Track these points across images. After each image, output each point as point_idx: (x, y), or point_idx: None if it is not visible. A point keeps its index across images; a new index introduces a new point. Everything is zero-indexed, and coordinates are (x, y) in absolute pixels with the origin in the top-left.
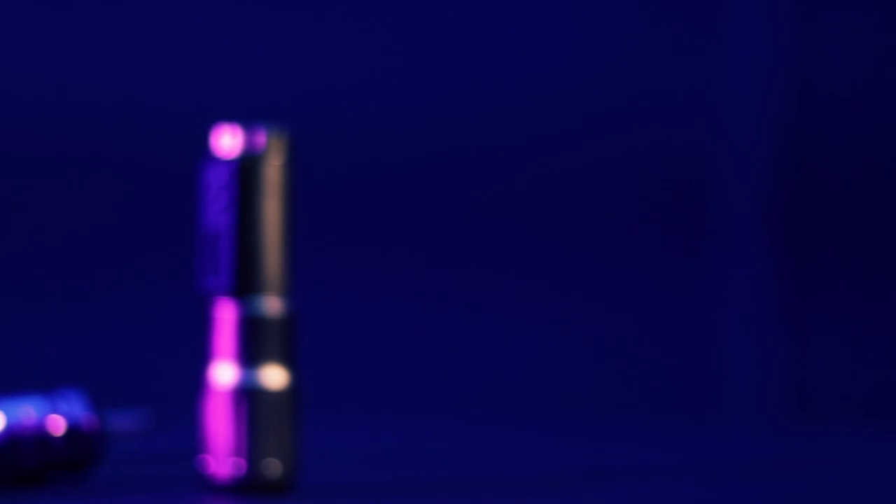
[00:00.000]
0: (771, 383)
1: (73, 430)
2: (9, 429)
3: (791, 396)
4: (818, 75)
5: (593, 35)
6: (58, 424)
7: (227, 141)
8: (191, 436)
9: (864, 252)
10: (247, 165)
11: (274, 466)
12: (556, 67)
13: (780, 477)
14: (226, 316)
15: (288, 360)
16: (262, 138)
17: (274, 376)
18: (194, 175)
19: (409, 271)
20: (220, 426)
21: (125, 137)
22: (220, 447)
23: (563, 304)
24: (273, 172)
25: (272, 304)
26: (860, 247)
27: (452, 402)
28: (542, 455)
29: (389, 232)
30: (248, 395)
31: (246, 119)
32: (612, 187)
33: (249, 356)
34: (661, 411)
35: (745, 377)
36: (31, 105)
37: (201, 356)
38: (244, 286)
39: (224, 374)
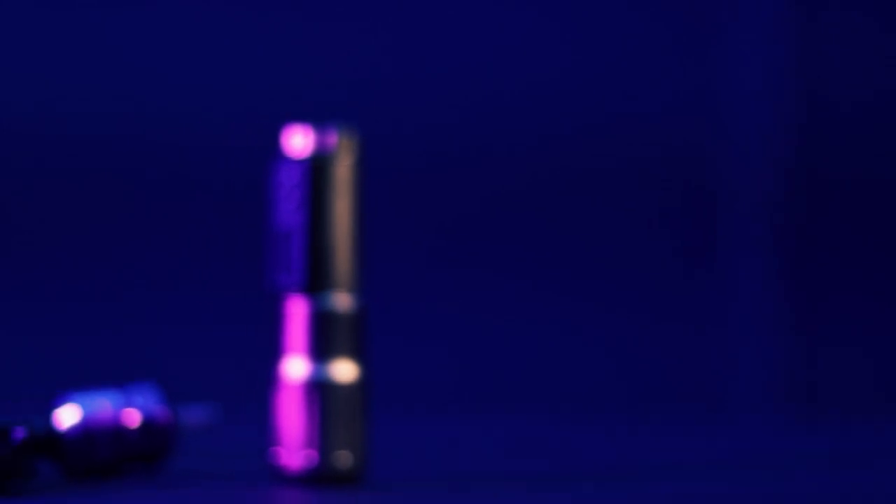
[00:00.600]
0: (780, 379)
1: (148, 423)
2: (85, 422)
3: (800, 392)
4: (824, 77)
5: (600, 40)
6: (133, 418)
7: (299, 141)
8: (262, 429)
9: (870, 250)
10: (318, 165)
11: (344, 458)
12: (566, 70)
13: (792, 471)
14: (297, 312)
15: (358, 355)
16: (332, 138)
17: (344, 370)
18: (266, 174)
19: (473, 268)
20: (291, 419)
21: (199, 138)
22: (292, 440)
23: (585, 304)
24: (343, 171)
25: (342, 300)
26: (867, 244)
27: (512, 396)
28: (583, 448)
29: (455, 228)
30: (318, 389)
31: (317, 119)
32: (627, 190)
33: (320, 351)
34: (673, 407)
35: (754, 373)
36: (113, 107)
37: (273, 351)
38: (315, 283)
39: (295, 368)
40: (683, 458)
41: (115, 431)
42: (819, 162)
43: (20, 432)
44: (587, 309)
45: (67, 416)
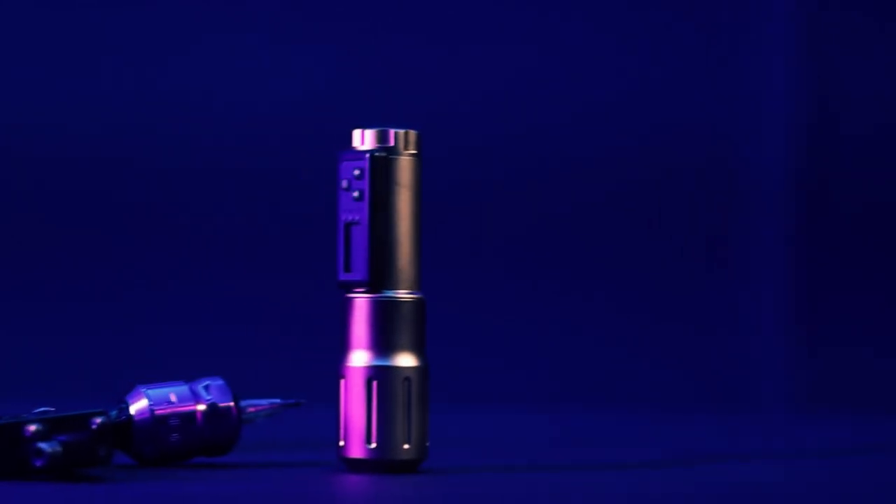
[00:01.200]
0: (793, 376)
1: (215, 414)
2: (156, 412)
3: (812, 388)
4: (837, 88)
5: (628, 61)
6: (201, 409)
7: (363, 139)
8: (327, 419)
9: (881, 252)
10: (381, 162)
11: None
12: (604, 89)
13: (804, 461)
14: (361, 305)
15: (419, 347)
16: (395, 138)
17: (406, 362)
18: (332, 172)
19: (525, 268)
20: (354, 410)
21: (270, 139)
22: (355, 430)
23: (620, 309)
24: (406, 169)
25: (404, 294)
26: (878, 246)
27: (554, 389)
28: (622, 439)
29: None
30: (381, 381)
31: (380, 119)
32: (657, 201)
33: (383, 343)
34: (694, 401)
35: (770, 371)
36: (191, 107)
37: (337, 344)
38: (378, 277)
39: (359, 360)
40: (709, 448)
41: (184, 422)
42: (834, 167)
43: (97, 420)
44: (621, 312)
45: (139, 406)
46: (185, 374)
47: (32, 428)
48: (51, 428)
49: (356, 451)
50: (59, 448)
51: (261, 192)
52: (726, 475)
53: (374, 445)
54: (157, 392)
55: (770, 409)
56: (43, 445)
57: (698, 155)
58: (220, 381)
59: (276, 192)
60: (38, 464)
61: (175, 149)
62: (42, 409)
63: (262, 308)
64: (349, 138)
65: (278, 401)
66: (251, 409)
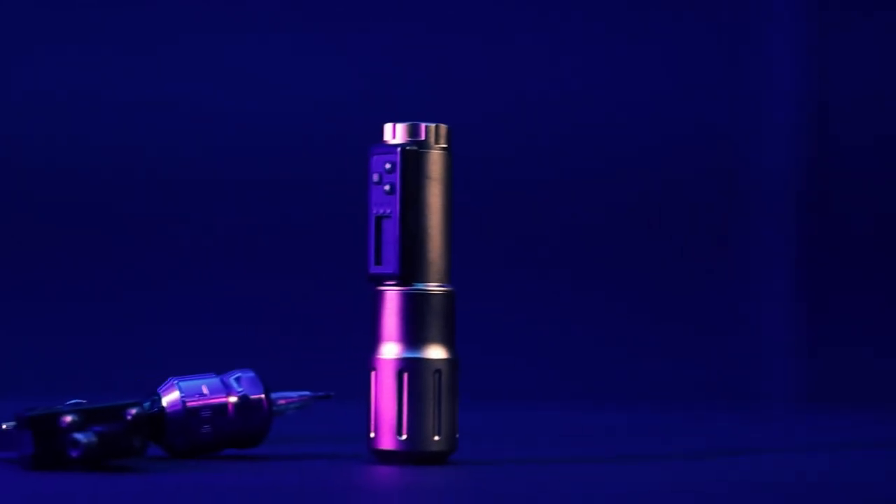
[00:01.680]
0: (799, 374)
1: (247, 406)
2: (188, 404)
3: (817, 384)
4: (840, 90)
5: (641, 70)
6: (232, 401)
7: (394, 133)
8: (355, 412)
9: (885, 253)
10: (412, 156)
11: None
12: (623, 98)
13: (812, 454)
14: (391, 297)
15: (449, 340)
16: (426, 131)
17: (436, 355)
18: (362, 165)
19: (552, 266)
20: (385, 402)
21: (303, 134)
22: (386, 422)
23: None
24: (436, 163)
25: (435, 287)
26: (882, 247)
27: (578, 385)
28: (645, 435)
29: (542, 221)
30: (411, 373)
31: (411, 113)
32: (663, 202)
33: (413, 336)
34: (705, 398)
35: (776, 369)
36: (224, 101)
37: (364, 337)
38: (409, 270)
39: (389, 352)
40: (725, 444)
41: (216, 414)
42: (839, 168)
43: (132, 411)
44: (633, 311)
45: (170, 398)
46: (215, 367)
47: (68, 419)
48: (86, 419)
49: (387, 442)
50: (94, 439)
51: (291, 186)
52: (757, 468)
53: (404, 437)
54: (189, 384)
55: (773, 405)
56: (79, 436)
57: (704, 157)
58: (251, 374)
59: (306, 186)
60: (74, 454)
61: (206, 144)
62: (74, 400)
63: (291, 299)
64: (380, 132)
65: (308, 393)
66: (281, 402)
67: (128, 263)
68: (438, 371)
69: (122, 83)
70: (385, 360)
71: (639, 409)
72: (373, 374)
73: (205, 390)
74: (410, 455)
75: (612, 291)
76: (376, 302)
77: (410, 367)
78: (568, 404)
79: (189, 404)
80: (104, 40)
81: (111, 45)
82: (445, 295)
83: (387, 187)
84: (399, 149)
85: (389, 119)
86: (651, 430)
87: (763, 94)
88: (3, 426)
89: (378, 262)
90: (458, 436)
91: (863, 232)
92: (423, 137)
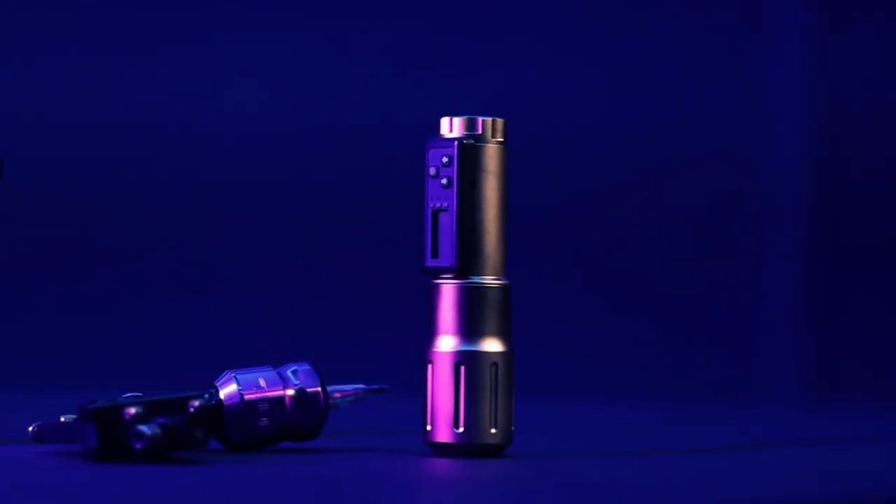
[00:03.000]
0: (804, 372)
1: (304, 399)
2: (245, 397)
3: (823, 381)
4: (848, 96)
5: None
6: (290, 394)
7: (451, 127)
8: (409, 404)
9: (889, 256)
10: (469, 150)
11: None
12: (639, 112)
13: (817, 450)
14: (448, 291)
15: (505, 333)
16: (482, 125)
17: (493, 347)
18: (420, 159)
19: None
20: (442, 395)
21: (360, 126)
22: (443, 414)
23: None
24: (493, 157)
25: (491, 280)
26: (886, 251)
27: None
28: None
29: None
30: (468, 365)
31: (468, 108)
32: (676, 204)
33: (470, 329)
34: (713, 395)
35: (782, 367)
36: (285, 96)
37: (424, 330)
38: (466, 263)
39: (446, 345)
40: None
41: (273, 407)
42: (846, 171)
43: (195, 403)
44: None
45: (228, 391)
46: (271, 360)
47: (132, 411)
48: (150, 411)
49: (443, 435)
50: (158, 431)
51: (348, 180)
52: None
53: (461, 430)
54: (247, 377)
55: (780, 401)
56: (143, 428)
57: (714, 162)
58: (307, 367)
59: (362, 179)
60: (138, 446)
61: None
62: (130, 393)
63: (348, 292)
64: (436, 126)
65: (363, 386)
66: (337, 395)
67: (181, 256)
68: (495, 364)
69: (164, 82)
70: (442, 353)
71: (668, 403)
72: (429, 367)
73: (262, 383)
74: (467, 447)
75: (631, 292)
76: (433, 295)
77: (467, 360)
78: (599, 398)
79: (247, 397)
80: (147, 39)
81: (158, 42)
82: (501, 288)
83: (444, 181)
84: (456, 142)
85: (446, 112)
86: (686, 424)
87: (775, 100)
88: (62, 419)
89: (434, 255)
90: (513, 428)
91: (868, 231)
92: (479, 131)
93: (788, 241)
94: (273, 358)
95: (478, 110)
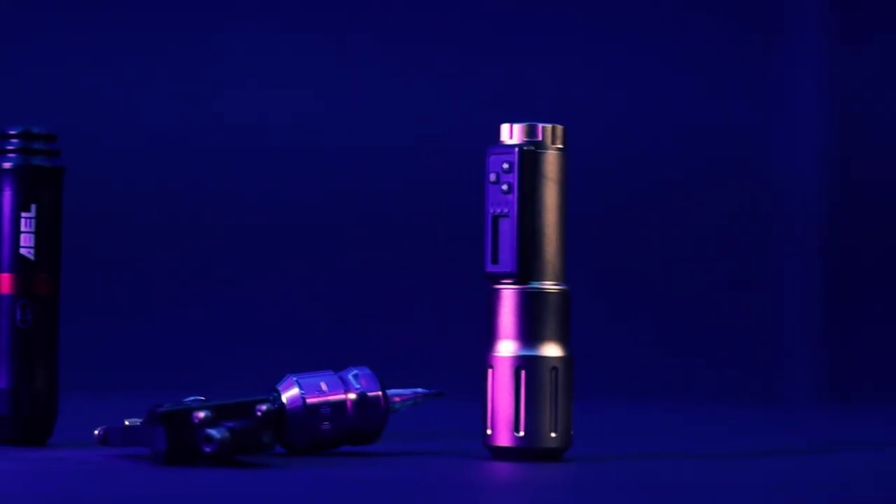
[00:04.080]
0: (823, 375)
1: (365, 403)
2: (307, 401)
3: (838, 383)
4: (864, 99)
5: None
6: (351, 398)
7: (511, 133)
8: (466, 408)
9: None
10: (530, 156)
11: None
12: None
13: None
14: (508, 296)
15: (564, 338)
16: (543, 132)
17: (553, 352)
18: (480, 166)
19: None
20: (502, 399)
21: (423, 135)
22: (503, 418)
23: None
24: (553, 163)
25: (551, 285)
26: None
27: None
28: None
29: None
30: (529, 370)
31: (528, 115)
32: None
33: (530, 334)
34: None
35: (802, 370)
36: (353, 103)
37: (483, 334)
38: (526, 268)
39: (506, 350)
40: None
41: (334, 411)
42: (859, 170)
43: (262, 407)
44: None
45: (290, 394)
46: (333, 364)
47: (201, 415)
48: (218, 415)
49: (504, 439)
50: (227, 434)
51: (409, 186)
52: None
53: (521, 434)
54: (309, 381)
55: (797, 401)
56: (212, 432)
57: (733, 169)
58: (367, 370)
59: (423, 186)
60: (208, 450)
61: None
62: (192, 397)
63: (408, 298)
64: (496, 133)
65: (422, 390)
66: (396, 399)
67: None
68: (555, 368)
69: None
70: (502, 357)
71: (720, 405)
72: (490, 371)
73: (324, 387)
74: (527, 451)
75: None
76: (493, 300)
77: (528, 365)
78: (646, 401)
79: (309, 401)
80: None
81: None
82: (561, 293)
83: (504, 187)
84: (517, 149)
85: (504, 119)
86: (725, 425)
87: (794, 104)
88: (127, 422)
89: (495, 260)
90: (572, 432)
91: (883, 236)
92: (540, 138)
93: (808, 248)
94: (335, 362)
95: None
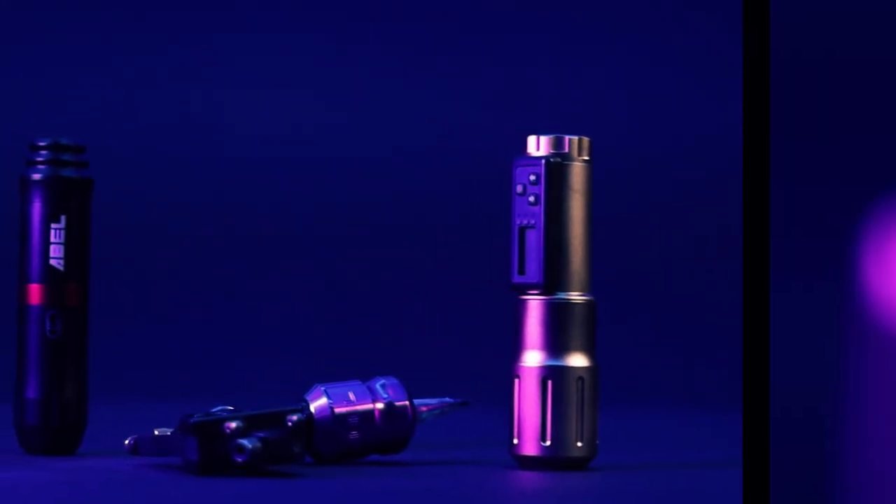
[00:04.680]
0: None
1: (392, 413)
2: (336, 411)
3: None
4: None
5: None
6: (379, 408)
7: (538, 145)
8: (491, 418)
9: None
10: (557, 168)
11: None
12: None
13: None
14: (535, 306)
15: (590, 348)
16: (568, 144)
17: (579, 362)
18: (507, 177)
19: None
20: (528, 409)
21: (448, 146)
22: (529, 428)
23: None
24: (579, 175)
25: (577, 296)
26: None
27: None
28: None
29: (678, 230)
30: (555, 380)
31: (554, 126)
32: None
33: (556, 344)
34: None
35: None
36: (377, 112)
37: (509, 344)
38: (553, 279)
39: (532, 360)
40: None
41: (362, 421)
42: None
43: (293, 417)
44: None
45: (318, 404)
46: (360, 374)
47: (233, 425)
48: (249, 425)
49: (530, 448)
50: (259, 444)
51: (436, 197)
52: None
53: (548, 443)
54: (337, 390)
55: None
56: (244, 442)
57: (734, 165)
58: (394, 380)
59: (449, 197)
60: (240, 460)
61: (363, 155)
62: (220, 407)
63: (435, 308)
64: (522, 144)
65: (448, 400)
66: (423, 409)
67: (267, 270)
68: (581, 378)
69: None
70: (529, 367)
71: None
72: (516, 381)
73: (352, 397)
74: (553, 461)
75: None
76: (519, 311)
77: (554, 375)
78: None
79: (337, 410)
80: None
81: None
82: (587, 304)
83: (531, 198)
84: (543, 160)
85: (531, 130)
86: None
87: None
88: (157, 432)
89: (521, 271)
90: (598, 441)
91: None
92: (566, 150)
93: None
94: (362, 372)
95: (562, 128)
